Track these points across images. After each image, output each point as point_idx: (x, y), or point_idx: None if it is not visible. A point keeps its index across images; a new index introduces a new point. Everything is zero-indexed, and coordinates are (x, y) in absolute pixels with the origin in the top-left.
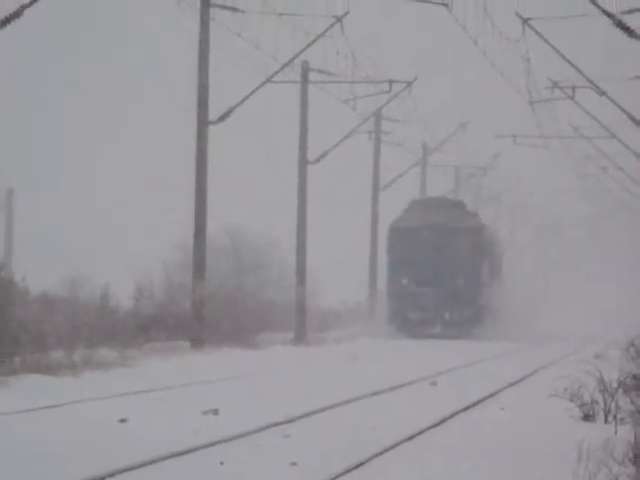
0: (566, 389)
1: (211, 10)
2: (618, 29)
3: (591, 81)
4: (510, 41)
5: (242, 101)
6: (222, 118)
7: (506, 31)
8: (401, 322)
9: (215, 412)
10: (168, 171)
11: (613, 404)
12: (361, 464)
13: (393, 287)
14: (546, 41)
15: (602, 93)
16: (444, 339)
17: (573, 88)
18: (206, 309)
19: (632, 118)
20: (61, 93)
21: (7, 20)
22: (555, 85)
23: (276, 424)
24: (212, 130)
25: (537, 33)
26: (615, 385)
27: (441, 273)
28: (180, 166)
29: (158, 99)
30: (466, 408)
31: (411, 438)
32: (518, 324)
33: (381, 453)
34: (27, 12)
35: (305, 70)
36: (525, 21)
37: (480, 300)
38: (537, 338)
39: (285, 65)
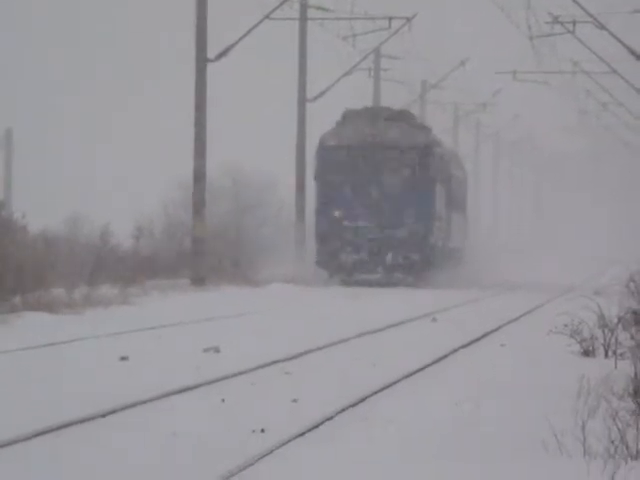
0: (566, 325)
1: None
2: None
3: (591, 15)
4: None
5: (240, 39)
6: (220, 56)
7: None
8: (333, 266)
9: (216, 350)
10: (167, 110)
11: (613, 339)
12: (361, 400)
13: (322, 222)
14: None
15: (602, 27)
16: (386, 286)
17: (573, 23)
18: (206, 247)
19: (633, 52)
20: (64, 41)
21: None
22: (555, 20)
23: (277, 361)
24: (211, 68)
25: None
26: (615, 321)
27: (381, 204)
28: (179, 105)
29: (156, 39)
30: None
31: (410, 375)
32: (485, 269)
33: (380, 390)
34: None
35: (303, 7)
36: None
37: (431, 238)
38: (504, 285)
39: (283, 2)
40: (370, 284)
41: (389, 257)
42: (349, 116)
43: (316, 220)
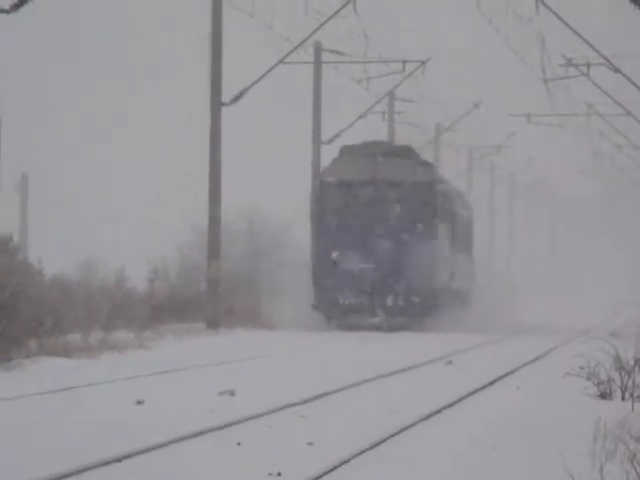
0: (582, 368)
1: None
2: (632, 4)
3: (605, 58)
4: (524, 19)
5: (255, 82)
6: (235, 100)
7: (520, 9)
8: (330, 309)
9: (231, 393)
10: (182, 154)
11: (630, 382)
12: (376, 445)
13: (319, 263)
14: (560, 18)
15: (617, 70)
16: (386, 331)
17: (587, 65)
18: (221, 290)
19: None
20: (72, 74)
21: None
22: (569, 62)
23: (291, 405)
24: (225, 112)
25: (551, 10)
26: (631, 363)
27: (381, 244)
28: (194, 149)
29: (172, 82)
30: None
31: (428, 417)
32: (497, 311)
33: (394, 434)
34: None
35: (318, 50)
36: None
37: (434, 280)
38: (517, 327)
39: (298, 46)
40: (370, 328)
41: (390, 300)
42: (347, 152)
43: (313, 261)
